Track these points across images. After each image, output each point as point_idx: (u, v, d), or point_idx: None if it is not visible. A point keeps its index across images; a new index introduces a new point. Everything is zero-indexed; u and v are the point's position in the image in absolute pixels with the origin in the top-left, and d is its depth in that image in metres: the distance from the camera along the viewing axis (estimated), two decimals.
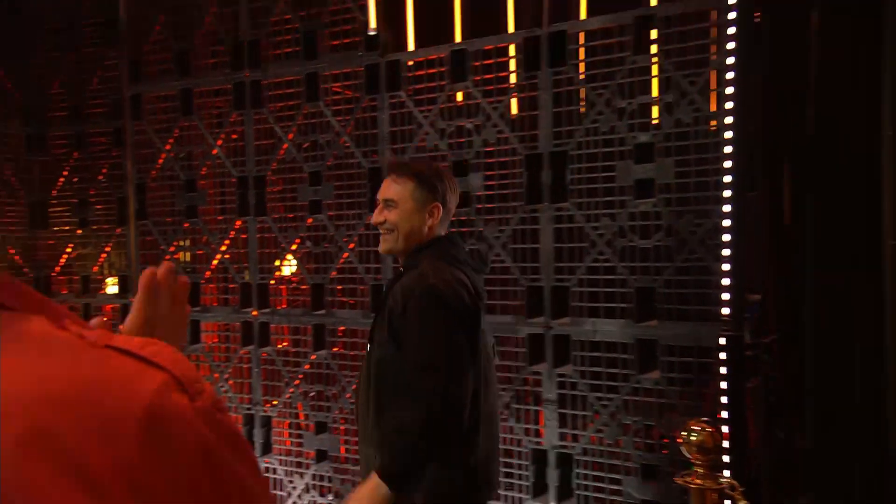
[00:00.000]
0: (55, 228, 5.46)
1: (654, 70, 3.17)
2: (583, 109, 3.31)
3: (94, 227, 5.44)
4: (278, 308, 4.15)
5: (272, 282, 4.15)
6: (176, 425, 0.48)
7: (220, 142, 4.20)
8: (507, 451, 3.48)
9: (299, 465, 4.05)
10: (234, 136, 4.19)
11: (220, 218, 4.26)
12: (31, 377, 0.46)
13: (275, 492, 4.09)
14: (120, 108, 5.31)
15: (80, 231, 5.44)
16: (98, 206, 5.41)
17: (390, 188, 2.37)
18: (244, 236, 4.20)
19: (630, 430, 3.22)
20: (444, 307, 2.18)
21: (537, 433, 3.43)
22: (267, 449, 4.16)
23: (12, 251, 5.47)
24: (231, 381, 4.23)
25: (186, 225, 4.32)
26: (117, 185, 5.35)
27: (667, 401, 3.12)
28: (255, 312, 4.16)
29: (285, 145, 4.02)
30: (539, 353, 3.41)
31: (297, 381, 4.06)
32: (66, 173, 5.45)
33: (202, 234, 4.30)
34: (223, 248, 4.24)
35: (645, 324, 3.18)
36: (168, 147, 4.33)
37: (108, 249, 5.42)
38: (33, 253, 5.57)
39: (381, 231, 2.39)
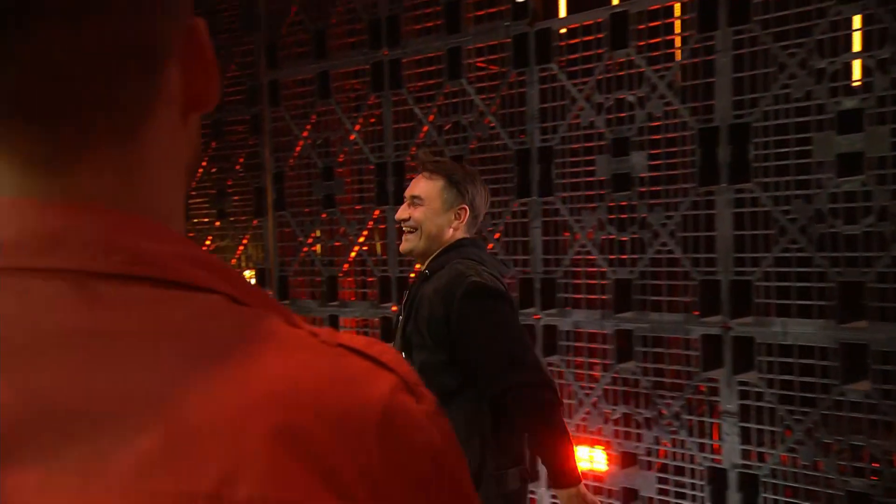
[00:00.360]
0: (195, 220, 5.47)
1: (857, 21, 2.66)
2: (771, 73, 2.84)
3: (232, 218, 5.40)
4: None
5: (412, 275, 3.90)
6: (408, 428, 0.48)
7: (357, 126, 3.99)
8: (678, 467, 3.07)
9: None
10: (372, 120, 3.97)
11: (358, 207, 4.06)
12: (277, 375, 0.45)
13: None
14: (257, 95, 5.25)
15: (218, 223, 5.43)
16: (235, 197, 5.37)
17: (419, 185, 2.29)
18: (382, 226, 3.97)
19: (832, 449, 2.73)
20: (495, 298, 2.12)
21: (713, 449, 3.00)
22: None
23: None
24: None
25: (324, 215, 4.15)
26: (254, 174, 5.29)
27: (880, 417, 2.62)
28: (394, 308, 3.93)
29: (425, 128, 3.75)
30: (716, 358, 2.97)
31: None
32: (204, 163, 5.45)
33: (339, 224, 4.11)
34: (361, 238, 4.03)
35: (851, 325, 2.68)
36: (305, 133, 4.17)
37: (245, 241, 5.38)
38: None
39: (403, 229, 2.30)
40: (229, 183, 5.38)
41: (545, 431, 2.09)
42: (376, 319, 3.98)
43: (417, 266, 2.66)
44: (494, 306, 2.12)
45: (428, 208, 2.25)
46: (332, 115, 4.09)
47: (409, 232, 2.29)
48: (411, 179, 2.42)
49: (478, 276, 2.13)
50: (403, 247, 2.33)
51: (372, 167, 3.96)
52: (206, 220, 5.45)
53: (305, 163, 4.19)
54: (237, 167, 5.30)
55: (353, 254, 4.07)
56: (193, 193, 5.43)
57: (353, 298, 4.09)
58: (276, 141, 4.30)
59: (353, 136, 4.00)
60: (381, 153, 3.93)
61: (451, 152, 3.58)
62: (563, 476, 2.08)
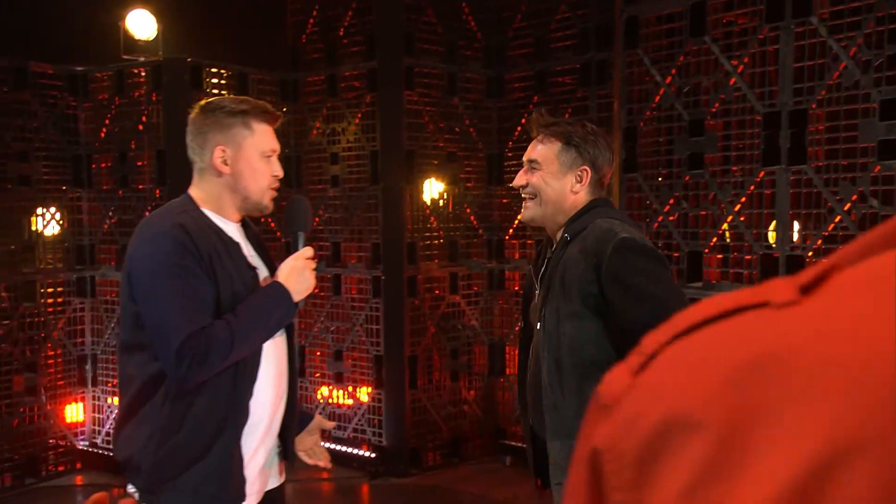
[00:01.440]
0: (509, 186, 5.06)
1: None
2: None
3: None
4: None
5: (810, 254, 3.11)
6: None
7: (740, 68, 3.25)
8: None
9: None
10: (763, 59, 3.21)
11: (735, 169, 3.32)
12: None
13: None
14: (586, 40, 4.66)
15: None
16: None
17: (535, 149, 2.15)
18: (769, 192, 3.22)
19: None
20: (650, 254, 2.01)
21: None
22: None
23: (468, 210, 5.19)
24: None
25: (687, 178, 3.46)
26: None
27: None
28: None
29: (843, 65, 2.93)
30: None
31: None
32: (523, 121, 4.98)
33: (708, 189, 3.41)
34: (737, 207, 3.30)
35: None
36: (668, 80, 3.49)
37: None
38: (489, 212, 5.25)
39: (522, 196, 2.16)
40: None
41: None
42: None
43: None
44: (647, 262, 1.99)
45: (546, 172, 2.11)
46: (704, 57, 3.38)
47: (529, 199, 2.14)
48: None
49: (626, 231, 2.00)
50: (523, 215, 2.19)
51: (759, 118, 3.20)
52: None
53: (666, 115, 3.52)
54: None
55: (724, 225, 3.35)
56: (510, 155, 5.00)
57: (722, 280, 3.38)
58: (628, 90, 3.65)
59: (733, 81, 3.27)
60: (773, 100, 3.16)
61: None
62: None
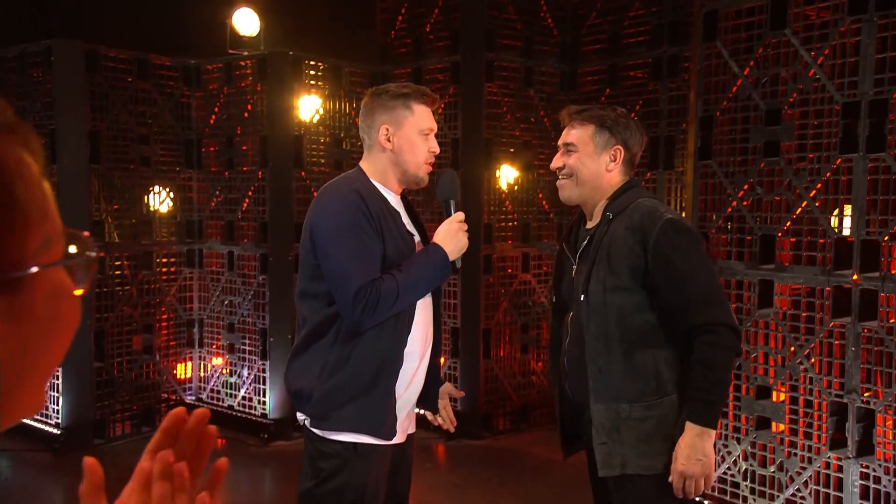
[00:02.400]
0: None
1: None
2: None
3: None
4: (893, 273, 2.95)
5: (886, 238, 2.95)
6: None
7: (820, 59, 3.09)
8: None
9: None
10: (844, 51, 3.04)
11: (812, 156, 3.17)
12: None
13: None
14: (659, 36, 4.52)
15: None
16: None
17: (570, 133, 2.12)
18: (844, 178, 3.06)
19: None
20: (692, 236, 2.03)
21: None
22: (866, 450, 3.03)
23: (541, 195, 5.11)
24: (814, 360, 3.17)
25: (763, 165, 3.32)
26: (651, 123, 4.59)
27: None
28: (855, 277, 3.02)
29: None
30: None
31: None
32: None
33: (783, 175, 3.26)
34: (812, 193, 3.16)
35: None
36: (746, 72, 3.34)
37: None
38: (559, 198, 5.14)
39: (559, 177, 2.13)
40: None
41: (722, 371, 1.96)
42: (827, 288, 3.10)
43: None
44: (690, 242, 2.00)
45: (582, 153, 2.09)
46: (785, 48, 3.22)
47: (565, 179, 2.12)
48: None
49: (670, 213, 2.02)
50: (562, 194, 2.15)
51: (838, 108, 3.04)
52: None
53: (743, 105, 3.37)
54: (632, 115, 4.64)
55: (799, 210, 3.20)
56: None
57: (794, 263, 3.24)
58: (705, 81, 3.51)
59: (812, 72, 3.11)
60: (853, 90, 3.00)
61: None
62: (702, 415, 1.93)
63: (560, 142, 2.14)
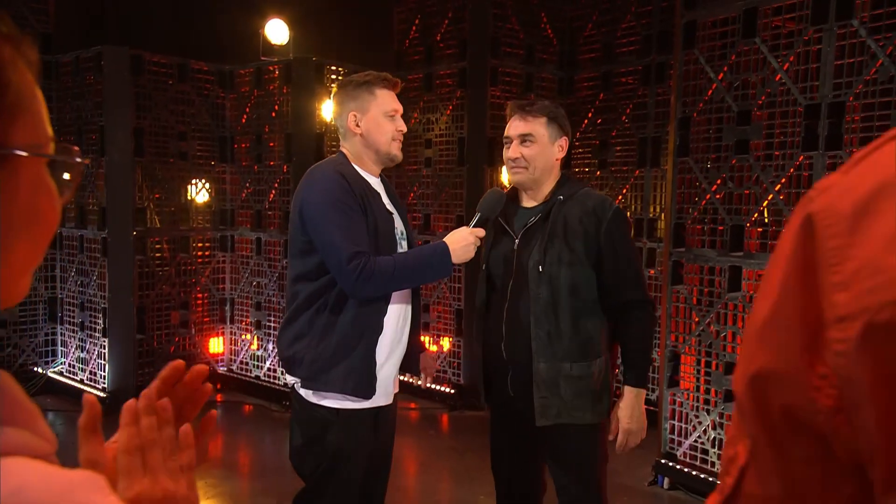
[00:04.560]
0: (576, 170, 5.03)
1: None
2: None
3: (613, 168, 4.86)
4: None
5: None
6: None
7: (785, 65, 3.16)
8: None
9: None
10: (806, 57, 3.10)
11: (777, 154, 3.24)
12: None
13: None
14: (648, 45, 4.59)
15: (598, 173, 4.93)
16: (617, 148, 4.81)
17: (525, 125, 2.14)
18: (806, 174, 3.13)
19: None
20: (628, 226, 2.18)
21: None
22: None
23: None
24: None
25: (734, 161, 3.39)
26: (640, 125, 4.67)
27: None
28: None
29: (879, 62, 2.82)
30: None
31: None
32: (589, 114, 4.95)
33: (752, 171, 3.33)
34: (777, 187, 3.22)
35: None
36: (720, 76, 3.41)
37: (624, 191, 4.82)
38: None
39: (514, 166, 2.16)
40: (613, 134, 4.83)
41: (648, 340, 2.12)
42: None
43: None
44: (628, 230, 2.16)
45: (539, 144, 2.13)
46: (755, 55, 3.29)
47: (521, 167, 2.14)
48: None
49: (614, 203, 2.15)
50: (515, 178, 2.18)
51: (801, 109, 3.11)
52: (587, 169, 4.97)
53: (717, 107, 3.45)
54: (623, 118, 4.72)
55: (766, 202, 3.27)
56: (577, 144, 4.98)
57: (761, 251, 3.31)
58: (684, 85, 3.59)
59: (779, 77, 3.18)
60: (814, 93, 3.06)
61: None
62: (642, 379, 2.12)
63: (513, 133, 2.14)
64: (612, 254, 2.09)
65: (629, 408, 2.08)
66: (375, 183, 2.17)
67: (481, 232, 2.12)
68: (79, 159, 0.52)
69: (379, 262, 1.99)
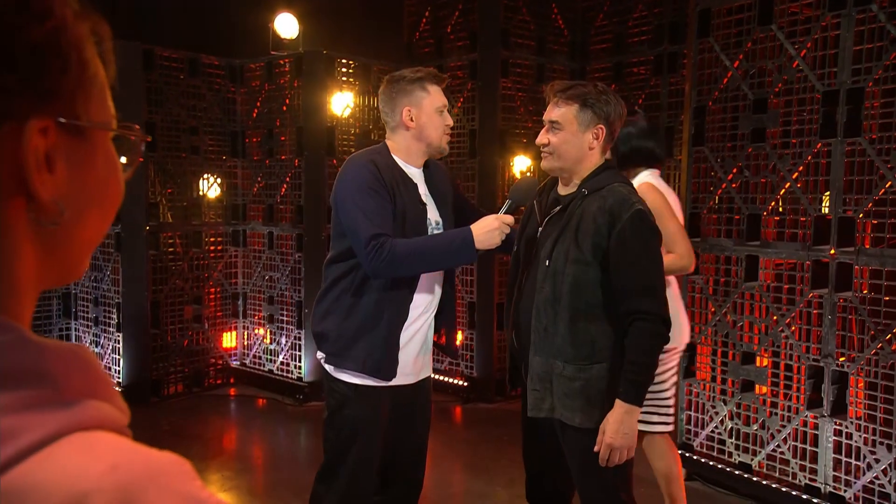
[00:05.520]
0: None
1: None
2: None
3: None
4: (866, 247, 2.96)
5: (861, 216, 2.97)
6: None
7: (802, 52, 3.11)
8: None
9: (887, 434, 2.88)
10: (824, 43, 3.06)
11: (794, 141, 3.19)
12: None
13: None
14: (660, 35, 4.54)
15: None
16: None
17: (554, 110, 2.07)
18: (825, 161, 3.08)
19: None
20: (653, 231, 2.00)
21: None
22: (839, 409, 3.06)
23: None
24: (794, 328, 3.20)
25: (750, 150, 3.35)
26: (653, 115, 4.61)
27: None
28: (833, 251, 3.05)
29: (893, 55, 2.77)
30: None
31: (888, 336, 2.86)
32: None
33: (768, 159, 3.29)
34: (794, 175, 3.18)
35: None
36: (736, 64, 3.37)
37: None
38: None
39: (543, 152, 2.09)
40: (622, 122, 4.78)
41: (650, 355, 1.98)
42: (807, 262, 3.13)
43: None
44: (649, 235, 1.99)
45: (566, 132, 2.04)
46: (771, 43, 3.24)
47: (549, 154, 2.08)
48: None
49: (641, 204, 1.99)
50: (544, 164, 2.12)
51: (819, 96, 3.06)
52: None
53: (733, 95, 3.40)
54: (636, 108, 4.67)
55: (782, 190, 3.23)
56: None
57: (778, 239, 3.27)
58: (699, 74, 3.54)
59: (796, 63, 3.13)
60: (832, 80, 3.01)
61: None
62: (634, 394, 1.96)
63: (545, 118, 2.09)
64: (621, 257, 1.95)
65: (615, 422, 1.95)
66: (416, 174, 2.24)
67: (509, 219, 2.11)
68: (143, 137, 0.53)
69: (398, 244, 2.04)
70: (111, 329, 4.80)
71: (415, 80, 2.18)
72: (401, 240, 2.06)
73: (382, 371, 2.14)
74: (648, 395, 2.49)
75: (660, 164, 2.82)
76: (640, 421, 2.09)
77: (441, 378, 5.06)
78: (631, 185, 2.10)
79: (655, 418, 2.72)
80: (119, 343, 4.72)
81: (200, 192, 5.15)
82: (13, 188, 0.44)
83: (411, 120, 2.17)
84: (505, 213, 2.11)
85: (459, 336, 5.10)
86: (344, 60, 4.95)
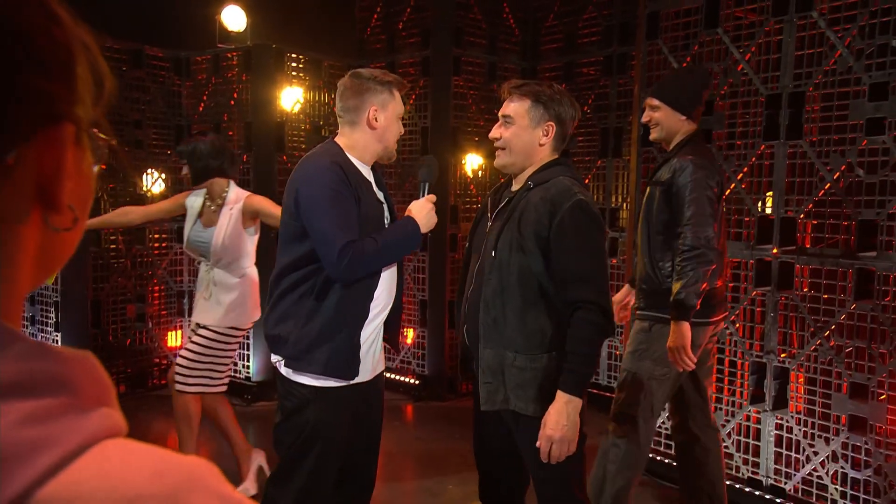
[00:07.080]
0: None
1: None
2: None
3: (575, 159, 4.84)
4: (807, 247, 3.03)
5: (801, 216, 3.03)
6: None
7: (747, 55, 3.16)
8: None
9: (825, 428, 2.95)
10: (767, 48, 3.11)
11: (739, 143, 3.24)
12: None
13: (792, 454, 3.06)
14: (610, 36, 4.57)
15: None
16: (580, 138, 4.79)
17: (508, 106, 2.09)
18: (768, 163, 3.14)
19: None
20: (594, 221, 2.00)
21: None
22: (781, 403, 3.13)
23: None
24: (738, 325, 3.26)
25: None
26: (601, 115, 4.65)
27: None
28: (775, 251, 3.11)
29: (838, 53, 2.83)
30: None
31: (827, 333, 2.93)
32: None
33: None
34: (739, 176, 3.23)
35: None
36: (684, 66, 3.40)
37: (586, 181, 4.80)
38: None
39: (495, 147, 2.11)
40: (575, 124, 4.80)
41: (590, 345, 1.97)
42: (751, 261, 3.18)
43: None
44: (590, 224, 1.98)
45: (518, 126, 2.05)
46: (717, 46, 3.28)
47: (500, 149, 2.09)
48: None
49: (583, 194, 1.99)
50: (496, 162, 2.13)
51: (763, 99, 3.11)
52: None
53: None
54: (585, 108, 4.69)
55: (727, 191, 3.28)
56: None
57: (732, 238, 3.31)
58: (648, 75, 3.57)
59: (740, 67, 3.18)
60: (775, 83, 3.07)
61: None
62: (574, 385, 1.94)
63: (500, 113, 2.11)
64: (560, 246, 1.96)
65: (556, 413, 1.92)
66: (367, 173, 2.21)
67: (433, 197, 2.22)
68: (106, 140, 0.53)
69: (364, 246, 2.04)
70: (49, 328, 4.57)
71: (385, 82, 2.18)
72: (365, 240, 2.05)
73: (346, 371, 2.11)
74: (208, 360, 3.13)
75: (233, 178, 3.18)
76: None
77: (393, 376, 5.00)
78: (579, 178, 2.10)
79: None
80: (58, 343, 4.48)
81: (144, 188, 4.95)
82: (35, 194, 0.44)
83: (376, 120, 2.16)
84: (427, 194, 2.23)
85: (411, 334, 5.04)
86: (294, 55, 4.82)
